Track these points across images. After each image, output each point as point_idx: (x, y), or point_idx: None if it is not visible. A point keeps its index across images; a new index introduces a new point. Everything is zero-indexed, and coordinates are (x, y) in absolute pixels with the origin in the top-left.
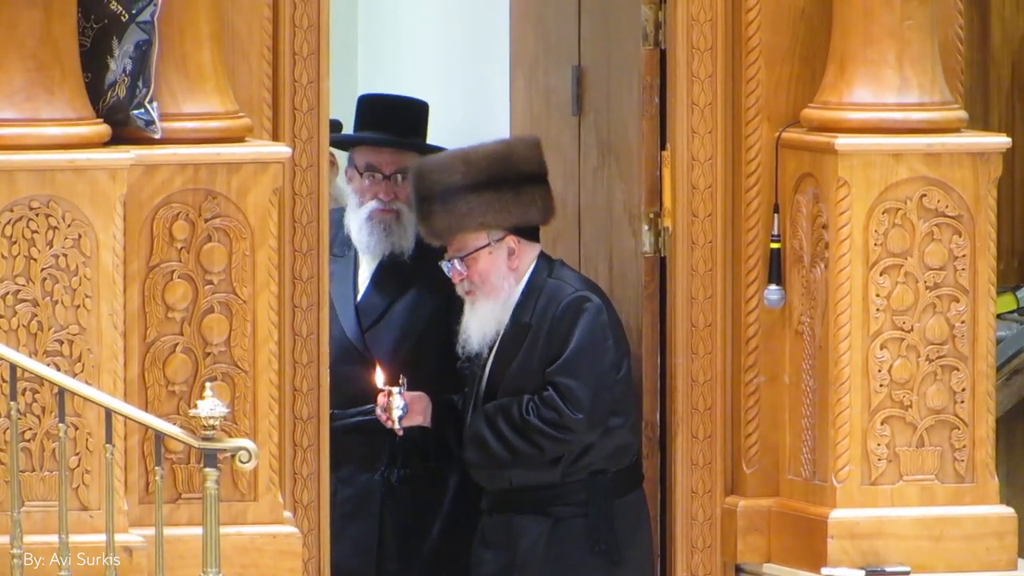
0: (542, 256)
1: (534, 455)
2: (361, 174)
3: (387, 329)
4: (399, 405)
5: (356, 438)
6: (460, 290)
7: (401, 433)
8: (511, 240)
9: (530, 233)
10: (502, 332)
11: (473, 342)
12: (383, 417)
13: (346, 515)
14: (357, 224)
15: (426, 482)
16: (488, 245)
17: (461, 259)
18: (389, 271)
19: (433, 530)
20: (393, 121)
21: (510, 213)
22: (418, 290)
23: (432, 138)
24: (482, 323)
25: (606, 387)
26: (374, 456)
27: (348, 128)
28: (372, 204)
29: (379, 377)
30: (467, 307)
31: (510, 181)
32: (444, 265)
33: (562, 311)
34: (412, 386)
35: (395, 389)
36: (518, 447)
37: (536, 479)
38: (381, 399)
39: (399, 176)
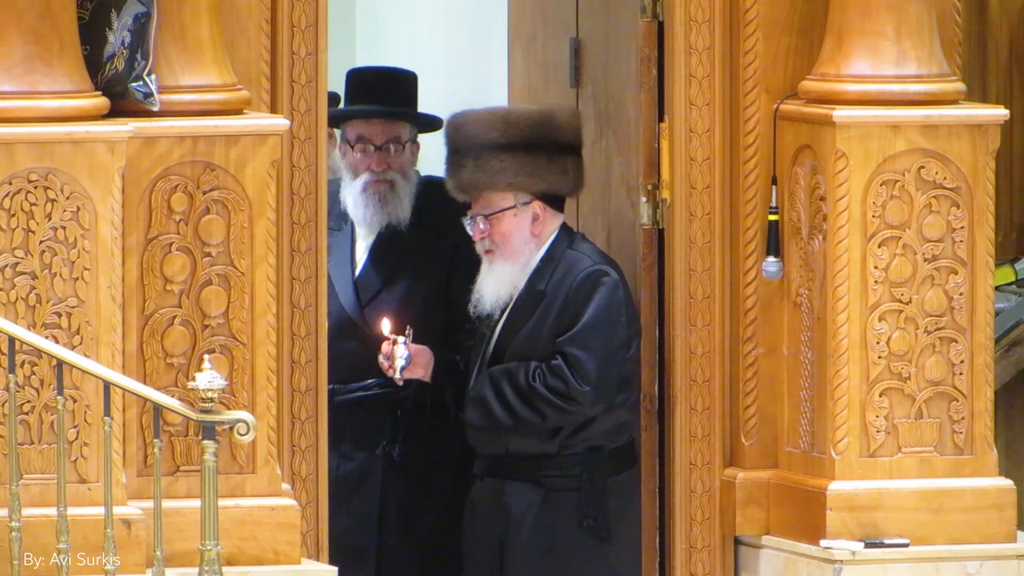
0: (564, 227)
1: (535, 423)
2: (352, 147)
3: (386, 304)
4: (402, 355)
5: (357, 413)
6: (480, 248)
7: (401, 383)
8: (537, 205)
9: (556, 202)
10: (515, 297)
11: (486, 302)
12: (385, 365)
13: (347, 490)
14: (353, 197)
15: (427, 457)
16: (514, 207)
17: (485, 217)
18: (387, 245)
19: (434, 505)
20: (382, 92)
21: (540, 179)
22: (417, 265)
23: (430, 112)
24: (497, 284)
25: (615, 363)
26: (375, 431)
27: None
28: (366, 176)
29: (385, 325)
30: (484, 266)
31: (546, 147)
32: (467, 221)
33: (579, 283)
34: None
35: (400, 338)
36: (520, 413)
37: (533, 448)
38: (385, 347)
39: (391, 146)
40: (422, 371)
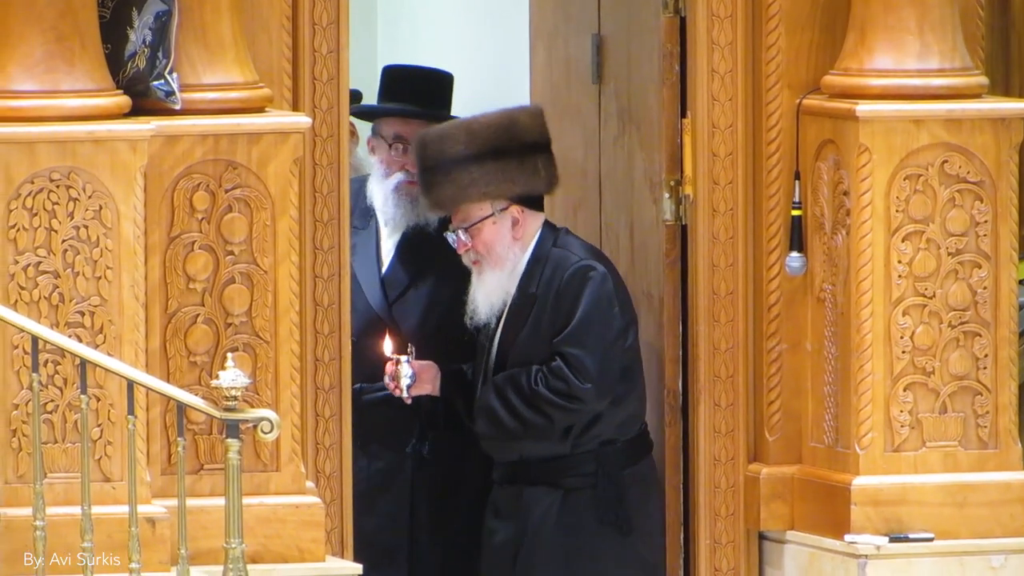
0: (547, 225)
1: (544, 425)
2: (389, 145)
3: (414, 301)
4: (407, 374)
5: (386, 411)
6: (466, 260)
7: (409, 402)
8: (515, 210)
9: (534, 202)
10: (509, 303)
11: (481, 312)
12: (391, 386)
13: (377, 488)
14: (383, 196)
15: (456, 454)
16: (492, 215)
17: (465, 229)
18: (413, 243)
19: (464, 502)
20: (420, 92)
21: (513, 183)
22: (444, 262)
23: (453, 109)
24: (489, 293)
25: (613, 355)
26: (404, 429)
27: (368, 98)
28: (399, 176)
29: (387, 346)
30: (474, 277)
31: (513, 151)
32: (449, 236)
33: (567, 280)
34: (439, 357)
35: (403, 358)
36: (528, 418)
37: (546, 451)
38: (389, 368)
39: None
40: (429, 386)
